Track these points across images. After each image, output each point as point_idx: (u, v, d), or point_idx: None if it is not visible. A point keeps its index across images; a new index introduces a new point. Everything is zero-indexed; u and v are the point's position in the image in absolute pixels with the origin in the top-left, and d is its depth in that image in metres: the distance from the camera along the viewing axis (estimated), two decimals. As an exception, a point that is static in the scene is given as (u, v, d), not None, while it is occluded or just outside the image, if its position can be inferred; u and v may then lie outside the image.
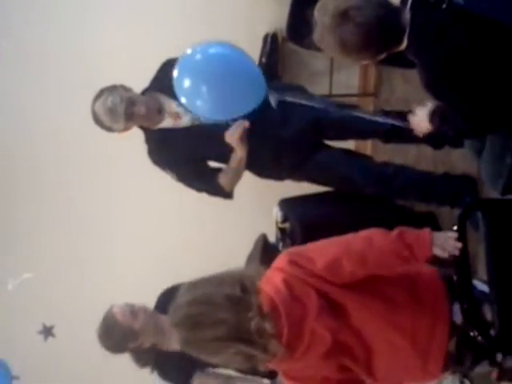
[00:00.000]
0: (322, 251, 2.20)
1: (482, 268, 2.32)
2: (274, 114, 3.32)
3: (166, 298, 2.91)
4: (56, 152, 4.74)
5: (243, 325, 2.04)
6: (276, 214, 3.74)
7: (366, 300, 2.16)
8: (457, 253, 2.17)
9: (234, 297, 2.07)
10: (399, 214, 3.81)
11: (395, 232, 2.21)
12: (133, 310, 3.09)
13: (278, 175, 3.69)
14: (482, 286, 2.24)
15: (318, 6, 2.42)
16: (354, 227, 3.55)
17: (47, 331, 4.17)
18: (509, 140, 2.69)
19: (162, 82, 3.46)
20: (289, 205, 3.74)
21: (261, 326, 2.04)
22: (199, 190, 3.59)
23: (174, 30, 4.87)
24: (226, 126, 3.28)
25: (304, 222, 3.58)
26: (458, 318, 2.19)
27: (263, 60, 4.88)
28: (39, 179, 4.76)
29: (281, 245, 3.63)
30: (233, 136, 3.29)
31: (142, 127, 3.53)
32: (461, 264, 2.14)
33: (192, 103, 3.02)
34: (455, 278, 2.25)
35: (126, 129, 3.41)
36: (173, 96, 3.31)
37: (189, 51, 2.98)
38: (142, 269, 4.76)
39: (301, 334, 2.11)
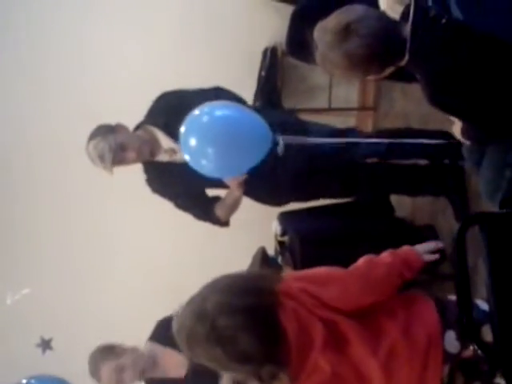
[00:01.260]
0: (330, 279, 2.22)
1: (481, 281, 2.31)
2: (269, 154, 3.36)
3: (162, 330, 2.93)
4: (55, 165, 4.75)
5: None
6: (275, 227, 3.74)
7: (366, 333, 2.16)
8: (440, 245, 2.30)
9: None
10: (399, 227, 3.81)
11: (387, 254, 2.28)
12: (119, 367, 3.12)
13: (278, 204, 3.78)
14: (483, 306, 2.24)
15: (318, 27, 2.43)
16: (354, 241, 3.58)
17: (45, 344, 4.15)
18: (508, 153, 2.70)
19: (157, 116, 3.51)
20: (288, 218, 3.74)
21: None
22: (197, 217, 3.68)
23: (174, 44, 4.89)
24: None
25: (303, 235, 3.58)
26: (450, 346, 2.19)
27: (263, 74, 4.90)
28: (39, 193, 4.76)
29: (280, 258, 3.63)
30: (232, 181, 3.39)
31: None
32: (459, 278, 2.14)
33: (197, 162, 3.07)
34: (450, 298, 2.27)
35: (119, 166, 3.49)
36: (167, 130, 3.42)
37: (197, 112, 3.01)
38: (140, 282, 4.76)
39: (304, 364, 2.11)
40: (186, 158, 3.07)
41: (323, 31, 2.40)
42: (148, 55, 4.87)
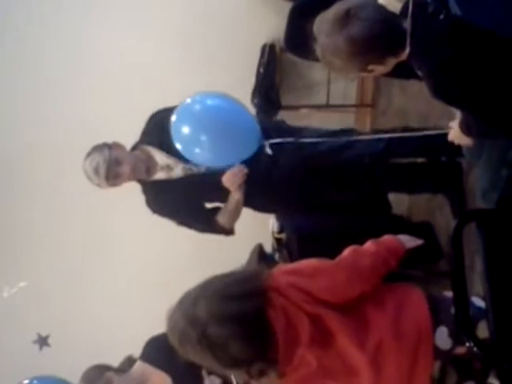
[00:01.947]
0: (319, 270, 2.22)
1: (477, 279, 2.31)
2: (263, 157, 3.37)
3: (152, 350, 2.92)
4: (55, 161, 4.75)
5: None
6: (272, 224, 3.75)
7: (353, 327, 2.17)
8: (420, 243, 2.43)
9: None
10: (396, 225, 3.81)
11: (370, 243, 2.34)
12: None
13: (274, 212, 3.76)
14: (479, 303, 2.23)
15: (317, 19, 2.42)
16: (351, 238, 3.57)
17: (42, 341, 4.16)
18: (505, 152, 2.69)
19: (151, 134, 3.52)
20: (285, 215, 3.73)
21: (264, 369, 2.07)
22: (201, 231, 3.66)
23: (173, 41, 4.88)
24: (219, 172, 3.34)
25: (300, 232, 3.58)
26: (442, 342, 2.19)
27: (261, 70, 4.89)
28: (37, 189, 4.76)
29: (277, 255, 3.63)
30: (232, 181, 3.36)
31: (137, 180, 3.57)
32: (456, 274, 2.13)
33: (189, 151, 3.06)
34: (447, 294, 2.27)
35: (115, 185, 3.46)
36: (162, 148, 3.43)
37: (188, 100, 3.02)
38: (138, 277, 4.76)
39: (291, 359, 2.13)
40: (178, 147, 3.06)
41: (323, 21, 2.39)
42: (146, 54, 4.86)
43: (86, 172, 3.46)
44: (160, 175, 3.50)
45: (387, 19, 2.37)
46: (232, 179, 3.34)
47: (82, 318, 4.61)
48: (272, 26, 4.82)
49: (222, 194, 3.43)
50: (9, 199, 4.74)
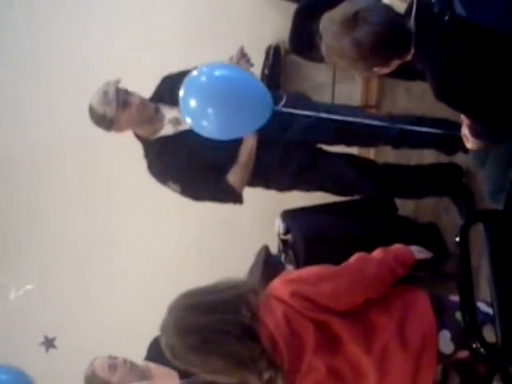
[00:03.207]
0: (323, 278, 2.21)
1: (484, 280, 2.31)
2: (276, 121, 3.30)
3: (156, 347, 2.93)
4: (58, 163, 4.75)
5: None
6: (278, 225, 3.74)
7: (359, 332, 2.17)
8: (430, 256, 2.34)
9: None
10: (402, 226, 3.81)
11: (378, 251, 2.29)
12: (111, 364, 3.15)
13: (284, 183, 3.61)
14: (484, 308, 2.23)
15: (324, 18, 2.41)
16: (357, 239, 3.58)
17: (49, 343, 4.15)
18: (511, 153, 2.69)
19: (161, 93, 3.47)
20: (291, 216, 3.74)
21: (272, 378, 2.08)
22: (206, 198, 3.52)
23: (178, 42, 4.89)
24: None
25: (306, 233, 3.58)
26: (444, 346, 2.18)
27: (266, 72, 4.89)
28: (43, 190, 4.76)
29: (283, 256, 3.63)
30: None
31: (140, 138, 3.49)
32: (462, 276, 2.13)
33: (198, 124, 3.00)
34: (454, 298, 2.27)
35: (120, 121, 3.35)
36: (172, 103, 3.32)
37: (195, 72, 2.97)
38: (144, 279, 4.76)
39: (299, 367, 2.13)
40: (187, 120, 2.99)
41: (330, 21, 2.38)
42: (150, 53, 4.86)
43: (91, 105, 3.34)
44: (168, 129, 3.42)
45: (394, 23, 2.36)
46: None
47: (88, 320, 4.61)
48: (277, 27, 4.82)
49: (228, 154, 3.33)
50: (14, 201, 4.75)
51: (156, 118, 3.42)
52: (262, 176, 3.51)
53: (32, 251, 4.73)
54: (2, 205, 4.73)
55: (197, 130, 3.00)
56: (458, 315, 2.20)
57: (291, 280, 2.23)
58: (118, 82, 3.35)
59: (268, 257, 3.56)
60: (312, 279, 2.20)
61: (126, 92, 3.35)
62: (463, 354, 2.19)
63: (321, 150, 3.60)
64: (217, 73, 3.01)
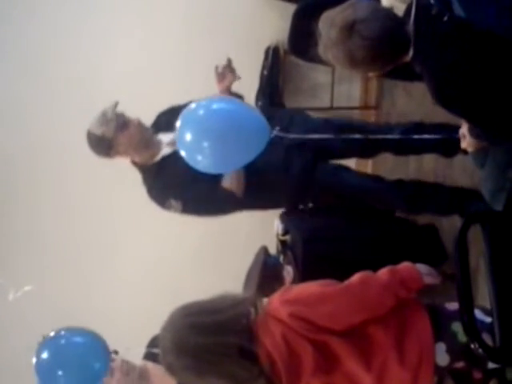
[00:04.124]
0: (322, 299, 2.20)
1: (482, 281, 2.31)
2: (276, 153, 3.31)
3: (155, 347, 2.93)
4: (59, 164, 4.75)
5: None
6: (277, 226, 3.74)
7: (358, 349, 2.16)
8: (438, 281, 2.30)
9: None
10: (401, 227, 3.81)
11: (386, 271, 2.24)
12: (109, 368, 3.13)
13: (288, 192, 3.60)
14: (480, 315, 2.22)
15: (324, 17, 2.41)
16: (356, 240, 3.58)
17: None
18: (511, 154, 2.69)
19: (158, 126, 3.49)
20: (290, 217, 3.73)
21: None
22: (208, 212, 3.53)
23: (177, 43, 4.89)
24: None
25: (305, 234, 3.57)
26: (440, 358, 2.18)
27: (265, 73, 4.90)
28: (42, 191, 4.77)
29: (282, 257, 3.63)
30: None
31: (136, 165, 3.49)
32: (461, 277, 2.13)
33: (193, 158, 3.01)
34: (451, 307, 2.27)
35: (118, 145, 3.35)
36: (169, 128, 3.29)
37: (192, 105, 2.98)
38: (143, 280, 4.76)
39: None
40: (183, 154, 3.01)
41: (329, 24, 2.37)
42: (150, 54, 4.87)
43: (90, 128, 3.33)
44: (165, 151, 3.42)
45: (390, 33, 2.35)
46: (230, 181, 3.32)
47: (87, 321, 4.60)
48: (276, 28, 4.83)
49: None
50: (13, 201, 4.74)
51: (153, 143, 3.43)
52: (269, 188, 3.49)
53: (31, 252, 4.73)
54: (1, 206, 4.74)
55: (191, 163, 3.01)
56: (454, 326, 2.20)
57: (290, 300, 2.22)
58: (116, 104, 3.35)
59: (267, 257, 3.56)
60: (311, 300, 2.20)
61: (124, 115, 3.36)
62: (459, 364, 2.19)
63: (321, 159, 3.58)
64: (214, 106, 3.00)
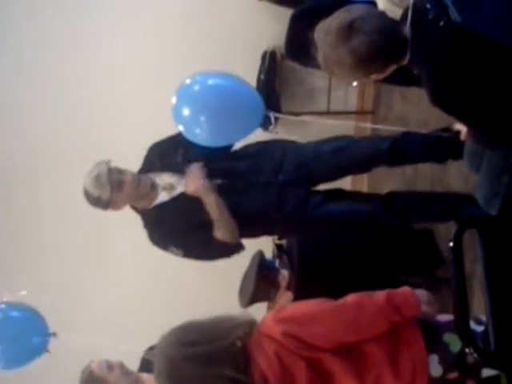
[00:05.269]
0: (315, 319, 2.20)
1: (478, 286, 2.31)
2: (267, 165, 3.33)
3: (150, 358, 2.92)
4: (57, 165, 4.76)
5: None
6: (273, 230, 3.73)
7: (352, 365, 2.17)
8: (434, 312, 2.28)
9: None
10: (397, 231, 3.81)
11: (383, 296, 2.22)
12: (109, 365, 3.14)
13: (281, 226, 3.52)
14: (472, 325, 2.22)
15: (319, 28, 2.41)
16: (351, 244, 3.58)
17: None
18: (506, 159, 2.69)
19: (150, 162, 3.46)
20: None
21: None
22: (210, 258, 3.52)
23: (174, 48, 4.90)
24: None
25: (300, 238, 3.58)
26: (433, 369, 2.19)
27: (262, 77, 4.90)
28: (40, 197, 4.77)
29: (277, 261, 3.63)
30: (195, 183, 3.26)
31: (137, 210, 3.47)
32: (456, 281, 2.13)
33: (190, 132, 3.00)
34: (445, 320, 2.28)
35: (116, 201, 3.34)
36: (164, 168, 3.36)
37: (188, 81, 2.98)
38: (141, 287, 4.77)
39: None
40: (180, 128, 2.98)
41: (325, 31, 2.37)
42: (148, 58, 4.88)
43: (85, 188, 3.32)
44: (163, 196, 3.39)
45: (389, 30, 2.36)
46: (193, 181, 3.26)
47: (83, 325, 4.59)
48: (273, 33, 4.83)
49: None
50: (12, 207, 4.75)
51: (150, 192, 3.39)
52: (263, 223, 3.44)
53: (26, 258, 4.74)
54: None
55: (189, 137, 3.01)
56: (445, 337, 2.22)
57: (283, 319, 2.23)
58: (108, 162, 3.33)
59: (263, 262, 3.56)
60: (304, 320, 2.20)
61: (118, 171, 3.31)
62: (452, 375, 2.20)
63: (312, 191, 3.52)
64: (210, 81, 3.05)
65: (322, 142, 3.53)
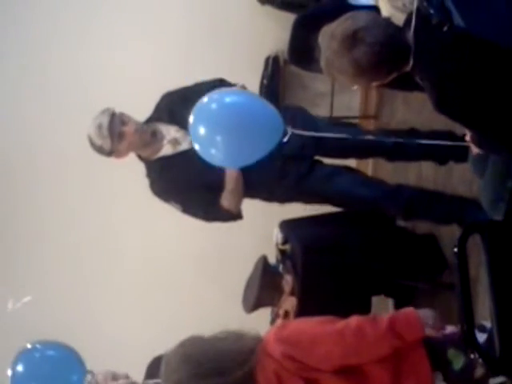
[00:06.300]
0: (315, 342, 2.19)
1: (483, 290, 2.31)
2: (273, 163, 3.27)
3: (155, 368, 2.92)
4: (59, 170, 4.76)
5: None
6: (276, 235, 3.74)
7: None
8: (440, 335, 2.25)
9: None
10: (400, 236, 3.81)
11: (386, 322, 2.19)
12: (115, 376, 3.12)
13: (284, 195, 3.56)
14: (476, 333, 2.21)
15: (323, 32, 2.42)
16: (355, 249, 3.57)
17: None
18: (510, 164, 2.69)
19: (161, 111, 3.46)
20: (289, 226, 3.73)
21: None
22: (206, 219, 3.52)
23: (177, 53, 4.90)
24: None
25: (304, 243, 3.57)
26: None
27: (265, 82, 4.90)
28: (42, 201, 4.77)
29: (281, 266, 3.62)
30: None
31: (141, 158, 3.49)
32: (461, 286, 2.13)
33: (206, 152, 2.94)
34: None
35: (118, 150, 3.36)
36: (172, 121, 3.35)
37: (205, 99, 2.92)
38: (145, 292, 4.76)
39: None
40: (196, 147, 2.91)
41: (329, 37, 2.38)
42: (151, 63, 4.88)
43: (89, 135, 3.34)
44: (167, 150, 3.41)
45: (392, 40, 2.36)
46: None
47: (87, 332, 4.60)
48: (276, 38, 4.84)
49: (222, 176, 3.30)
50: (14, 212, 4.75)
51: (154, 141, 3.41)
52: (262, 189, 3.49)
53: (31, 262, 4.73)
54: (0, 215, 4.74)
55: (205, 158, 2.96)
56: (449, 354, 2.21)
57: (284, 339, 2.22)
58: (111, 111, 3.34)
59: (266, 267, 3.56)
60: (304, 342, 2.20)
61: (121, 121, 3.33)
62: None
63: (318, 161, 3.58)
64: (227, 99, 2.94)
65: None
